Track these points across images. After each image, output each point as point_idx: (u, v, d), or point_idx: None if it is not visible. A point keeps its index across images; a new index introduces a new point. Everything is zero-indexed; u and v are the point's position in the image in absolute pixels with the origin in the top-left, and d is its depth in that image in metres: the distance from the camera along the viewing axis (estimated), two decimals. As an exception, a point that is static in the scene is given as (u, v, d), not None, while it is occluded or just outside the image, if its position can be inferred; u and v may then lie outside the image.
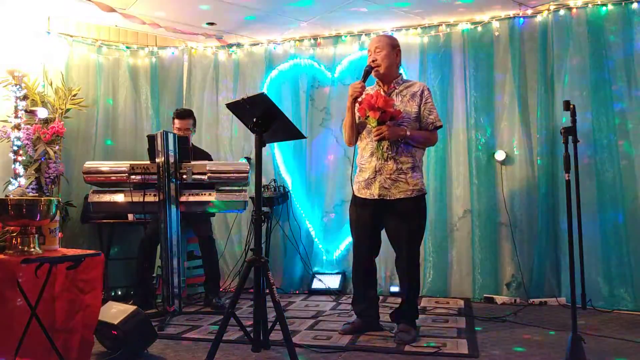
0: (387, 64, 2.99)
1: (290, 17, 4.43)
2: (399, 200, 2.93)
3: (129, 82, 4.90)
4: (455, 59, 4.40)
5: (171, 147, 3.46)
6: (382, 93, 3.01)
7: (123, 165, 3.53)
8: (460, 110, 4.36)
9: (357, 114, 3.01)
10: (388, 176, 2.93)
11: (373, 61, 3.00)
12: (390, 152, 2.93)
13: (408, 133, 2.91)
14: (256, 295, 2.41)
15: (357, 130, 3.06)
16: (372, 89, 3.09)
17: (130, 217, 4.35)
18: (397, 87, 3.05)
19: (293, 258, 4.65)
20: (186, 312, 3.67)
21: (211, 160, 4.20)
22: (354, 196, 3.11)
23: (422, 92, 3.02)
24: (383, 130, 2.83)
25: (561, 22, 4.04)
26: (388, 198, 2.94)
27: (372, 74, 3.02)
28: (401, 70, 3.19)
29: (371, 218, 3.02)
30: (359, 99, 2.94)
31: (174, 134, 3.55)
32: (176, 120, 4.07)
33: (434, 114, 3.01)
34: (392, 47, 3.03)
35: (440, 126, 3.05)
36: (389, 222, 3.02)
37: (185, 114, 4.11)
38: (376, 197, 2.95)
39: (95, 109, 4.70)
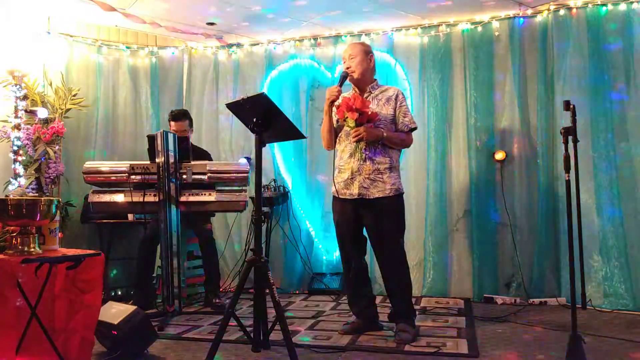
0: (361, 70, 3.06)
1: (291, 16, 4.43)
2: (378, 199, 2.99)
3: (129, 82, 4.91)
4: (455, 59, 4.40)
5: (171, 147, 3.46)
6: None
7: (123, 165, 3.53)
8: (460, 110, 4.35)
9: (334, 117, 3.08)
10: (367, 176, 2.99)
11: (347, 68, 3.07)
12: (367, 153, 2.99)
13: (385, 134, 2.98)
14: (256, 295, 2.41)
15: (335, 133, 3.12)
16: (348, 94, 3.15)
17: (130, 217, 4.35)
18: (372, 92, 3.12)
19: (293, 258, 4.65)
20: (186, 312, 3.67)
21: (210, 159, 4.20)
22: (334, 198, 3.14)
23: (397, 96, 3.10)
24: (361, 131, 2.90)
25: (561, 22, 4.04)
26: (367, 197, 2.99)
27: (348, 79, 3.09)
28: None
29: (354, 217, 3.07)
30: (336, 103, 3.01)
31: (174, 134, 3.54)
32: (172, 123, 4.02)
33: (409, 117, 3.09)
34: (366, 54, 3.10)
35: (415, 128, 3.12)
36: (368, 220, 3.06)
37: (180, 116, 4.04)
38: (356, 196, 3.00)
39: (95, 109, 4.71)
